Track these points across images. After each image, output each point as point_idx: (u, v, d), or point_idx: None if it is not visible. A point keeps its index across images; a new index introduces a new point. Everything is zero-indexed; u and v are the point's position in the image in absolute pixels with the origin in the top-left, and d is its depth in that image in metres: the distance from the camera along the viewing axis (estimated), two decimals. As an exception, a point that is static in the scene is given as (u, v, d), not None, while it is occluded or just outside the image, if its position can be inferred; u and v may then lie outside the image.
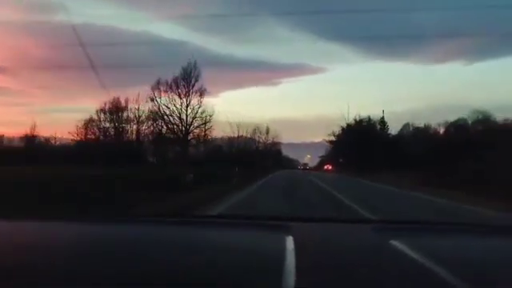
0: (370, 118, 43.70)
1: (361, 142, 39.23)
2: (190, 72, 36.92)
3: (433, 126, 41.82)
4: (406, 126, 43.82)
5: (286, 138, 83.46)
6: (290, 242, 1.00)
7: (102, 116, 39.51)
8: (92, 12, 63.87)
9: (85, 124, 39.54)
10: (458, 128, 37.01)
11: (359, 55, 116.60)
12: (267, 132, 57.59)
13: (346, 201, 11.18)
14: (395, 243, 1.02)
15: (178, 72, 36.86)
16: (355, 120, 44.87)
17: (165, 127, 38.01)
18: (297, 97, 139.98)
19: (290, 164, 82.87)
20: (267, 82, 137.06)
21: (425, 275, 0.82)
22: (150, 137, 39.92)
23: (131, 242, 1.08)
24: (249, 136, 54.74)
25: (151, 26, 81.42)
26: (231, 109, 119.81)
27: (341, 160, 49.45)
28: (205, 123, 37.51)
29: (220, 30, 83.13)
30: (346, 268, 0.87)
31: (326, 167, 61.32)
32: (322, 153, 72.45)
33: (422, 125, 42.64)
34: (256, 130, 55.90)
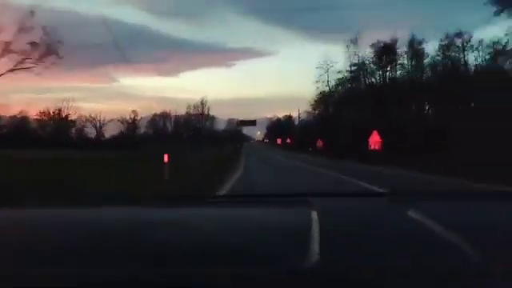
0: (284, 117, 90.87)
1: (279, 128, 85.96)
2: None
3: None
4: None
5: (241, 115, 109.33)
6: (314, 216, 1.02)
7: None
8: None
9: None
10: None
11: (303, 40, 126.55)
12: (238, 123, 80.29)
13: (264, 151, 52.57)
14: (412, 213, 1.07)
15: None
16: (278, 118, 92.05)
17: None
18: (248, 77, 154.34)
19: (247, 139, 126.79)
20: (222, 64, 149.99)
21: (444, 244, 0.85)
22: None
23: (160, 224, 1.07)
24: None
25: (110, 9, 78.49)
26: (191, 88, 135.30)
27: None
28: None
29: (178, 15, 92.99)
30: (369, 239, 0.90)
31: (265, 140, 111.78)
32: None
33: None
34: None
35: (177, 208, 1.40)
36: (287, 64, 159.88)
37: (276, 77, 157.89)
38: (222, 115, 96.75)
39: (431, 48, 40.44)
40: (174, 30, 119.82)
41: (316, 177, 15.18)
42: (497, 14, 21.03)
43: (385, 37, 48.69)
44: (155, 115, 79.34)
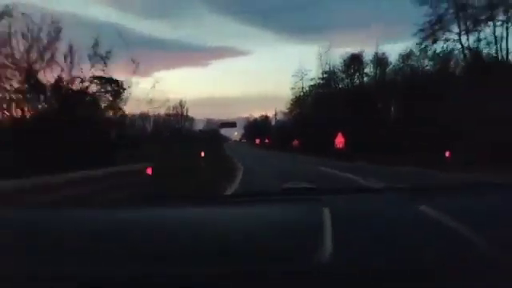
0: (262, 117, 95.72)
1: (256, 129, 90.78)
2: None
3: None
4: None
5: (216, 115, 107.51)
6: (326, 213, 1.02)
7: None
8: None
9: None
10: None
11: (280, 40, 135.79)
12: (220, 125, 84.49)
13: (247, 151, 57.60)
14: (425, 208, 1.06)
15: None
16: (255, 119, 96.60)
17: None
18: (224, 76, 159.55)
19: (225, 139, 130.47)
20: (197, 63, 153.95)
21: (457, 238, 0.84)
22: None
23: (160, 224, 1.06)
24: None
25: (84, 8, 74.44)
26: (167, 88, 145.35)
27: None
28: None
29: (153, 14, 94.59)
30: (381, 234, 0.90)
31: (242, 141, 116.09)
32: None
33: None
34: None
35: (178, 208, 1.38)
36: (262, 64, 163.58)
37: (251, 76, 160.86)
38: (198, 115, 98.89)
39: (393, 58, 45.63)
40: (150, 29, 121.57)
41: (302, 170, 19.81)
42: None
43: (353, 48, 54.60)
44: (133, 116, 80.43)
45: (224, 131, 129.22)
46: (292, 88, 56.04)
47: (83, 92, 13.26)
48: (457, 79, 29.39)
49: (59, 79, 12.58)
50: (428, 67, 38.10)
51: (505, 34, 25.53)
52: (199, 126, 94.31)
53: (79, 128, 11.11)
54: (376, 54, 43.62)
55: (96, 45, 13.46)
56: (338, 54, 47.82)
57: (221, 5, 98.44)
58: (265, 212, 1.21)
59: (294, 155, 35.81)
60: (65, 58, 12.97)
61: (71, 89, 12.91)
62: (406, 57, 40.67)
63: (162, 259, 0.78)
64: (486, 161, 16.26)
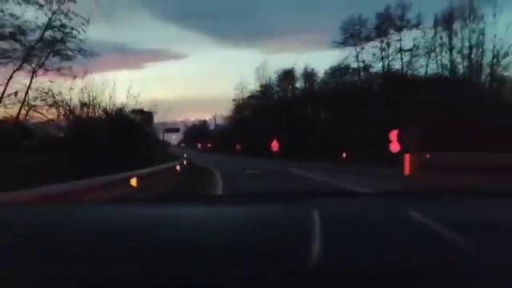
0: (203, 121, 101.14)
1: (196, 133, 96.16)
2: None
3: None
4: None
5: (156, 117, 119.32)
6: (315, 216, 1.03)
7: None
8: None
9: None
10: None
11: (216, 44, 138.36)
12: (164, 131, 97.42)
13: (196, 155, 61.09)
14: (414, 213, 1.08)
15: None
16: (193, 123, 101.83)
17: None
18: (160, 80, 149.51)
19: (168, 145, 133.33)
20: (133, 66, 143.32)
21: (445, 244, 0.85)
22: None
23: (160, 224, 1.07)
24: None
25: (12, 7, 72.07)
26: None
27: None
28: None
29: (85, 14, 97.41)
30: (369, 238, 0.91)
31: (181, 145, 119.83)
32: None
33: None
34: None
35: (176, 207, 1.40)
36: (198, 68, 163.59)
37: (187, 80, 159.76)
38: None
39: (321, 73, 52.73)
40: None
41: (248, 166, 25.40)
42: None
43: (285, 65, 63.76)
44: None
45: (166, 137, 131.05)
46: (233, 99, 63.85)
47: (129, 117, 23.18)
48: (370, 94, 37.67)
49: (119, 110, 22.20)
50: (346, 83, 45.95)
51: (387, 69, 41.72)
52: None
53: (133, 137, 19.23)
54: (306, 69, 51.45)
55: (130, 87, 22.07)
56: (274, 69, 55.36)
57: (159, 9, 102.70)
58: (262, 212, 1.21)
59: (235, 157, 42.26)
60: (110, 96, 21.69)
61: (125, 114, 22.58)
62: (331, 73, 47.98)
63: (162, 259, 0.78)
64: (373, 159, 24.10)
